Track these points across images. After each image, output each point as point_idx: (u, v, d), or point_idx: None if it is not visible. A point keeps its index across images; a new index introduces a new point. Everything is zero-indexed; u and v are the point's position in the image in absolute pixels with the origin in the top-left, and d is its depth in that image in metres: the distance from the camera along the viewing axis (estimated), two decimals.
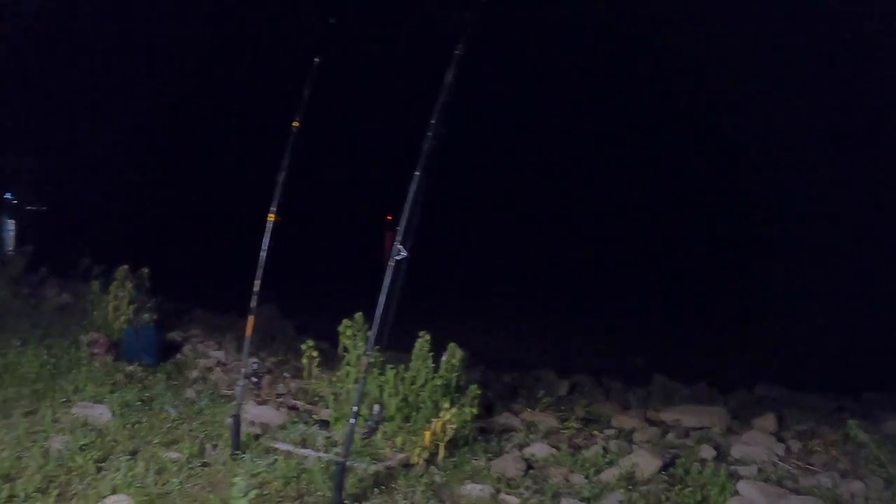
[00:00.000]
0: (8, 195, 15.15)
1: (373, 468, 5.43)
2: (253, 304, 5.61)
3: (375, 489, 5.08)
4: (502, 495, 5.25)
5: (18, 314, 9.49)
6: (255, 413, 6.49)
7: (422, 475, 5.44)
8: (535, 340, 14.48)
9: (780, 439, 7.10)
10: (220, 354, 8.88)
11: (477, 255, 23.55)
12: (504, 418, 7.23)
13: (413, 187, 4.56)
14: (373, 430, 4.83)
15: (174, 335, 9.55)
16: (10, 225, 14.92)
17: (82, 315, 9.65)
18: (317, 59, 5.47)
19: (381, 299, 4.42)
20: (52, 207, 15.92)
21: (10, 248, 14.10)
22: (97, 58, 15.04)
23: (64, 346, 8.18)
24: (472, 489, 5.27)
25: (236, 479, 4.35)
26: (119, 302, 8.89)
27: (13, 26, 12.77)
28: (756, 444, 6.81)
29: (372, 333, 4.51)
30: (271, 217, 5.50)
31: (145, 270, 9.30)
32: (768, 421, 7.64)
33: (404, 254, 4.50)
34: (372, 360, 4.66)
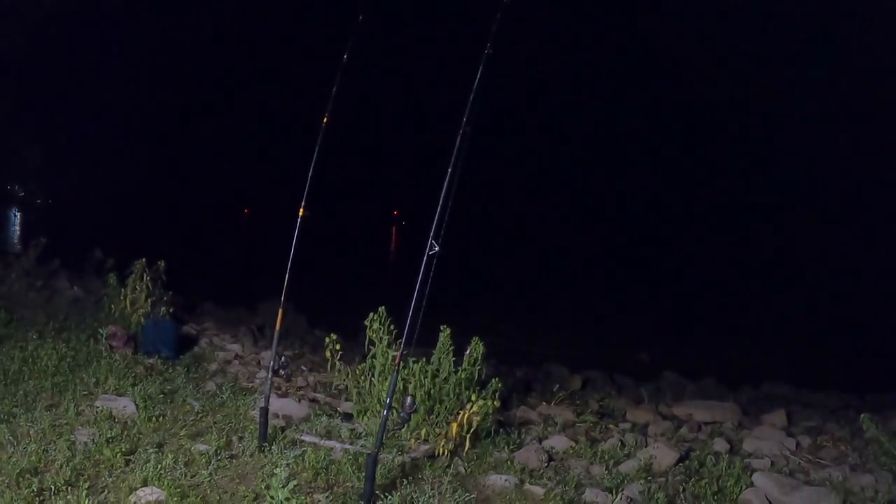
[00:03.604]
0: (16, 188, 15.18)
1: (399, 459, 5.53)
2: (282, 298, 5.66)
3: (403, 480, 5.17)
4: (526, 485, 5.36)
5: (33, 307, 9.51)
6: (278, 406, 6.56)
7: (447, 466, 5.54)
8: (542, 336, 14.60)
9: (790, 434, 7.23)
10: (236, 347, 8.95)
11: (484, 252, 23.67)
12: (521, 412, 7.35)
13: (445, 184, 4.64)
14: (405, 422, 4.92)
15: (189, 328, 9.62)
16: (18, 217, 14.96)
17: (96, 308, 9.72)
18: (345, 56, 5.54)
19: (415, 294, 4.50)
20: (60, 200, 15.94)
21: (17, 242, 14.18)
22: (111, 53, 15.05)
23: (82, 339, 8.21)
24: (497, 480, 5.38)
25: (277, 470, 4.43)
26: (136, 295, 8.96)
27: (33, 21, 12.79)
28: (767, 439, 6.92)
29: (406, 327, 4.58)
30: (301, 212, 5.56)
31: (161, 264, 9.35)
32: (778, 417, 7.80)
33: (437, 249, 4.58)
34: (406, 353, 4.73)
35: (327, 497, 4.88)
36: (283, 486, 4.25)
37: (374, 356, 6.42)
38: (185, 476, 4.98)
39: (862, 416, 6.47)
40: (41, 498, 4.52)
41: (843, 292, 18.62)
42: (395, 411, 4.96)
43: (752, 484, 5.65)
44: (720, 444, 6.71)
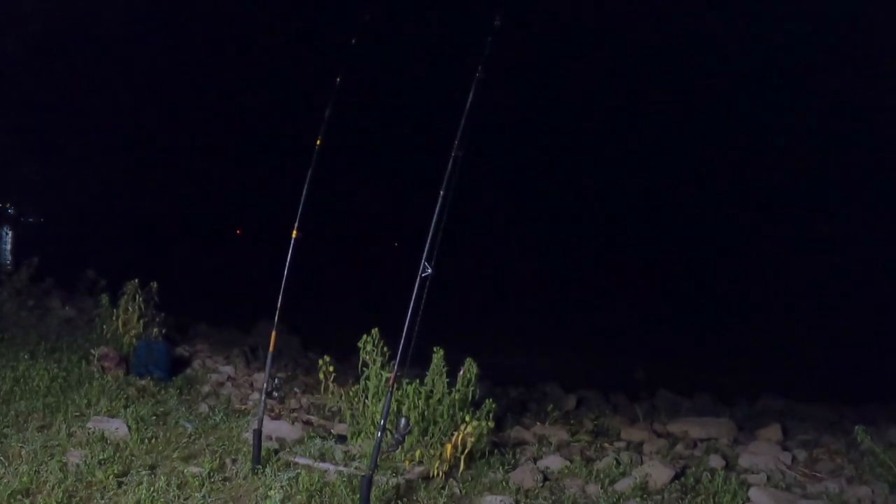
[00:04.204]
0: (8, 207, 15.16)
1: (393, 481, 5.50)
2: (276, 320, 5.64)
3: (398, 502, 5.15)
4: None
5: (25, 327, 9.49)
6: (271, 428, 6.52)
7: (442, 487, 5.51)
8: (536, 355, 14.59)
9: (786, 448, 7.23)
10: (229, 369, 8.93)
11: (476, 272, 23.68)
12: (516, 432, 7.33)
13: (437, 207, 4.65)
14: (399, 443, 4.90)
15: (181, 350, 9.60)
16: (9, 236, 14.94)
17: (88, 328, 9.70)
18: (338, 79, 5.55)
19: (409, 315, 4.50)
20: (52, 219, 15.93)
21: (9, 260, 14.14)
22: (105, 72, 15.07)
23: (73, 359, 8.20)
24: (492, 501, 5.35)
25: (272, 493, 4.41)
26: (129, 316, 8.93)
27: (28, 38, 12.80)
28: (763, 454, 6.90)
29: (399, 349, 4.58)
30: (294, 233, 5.56)
31: (154, 285, 9.33)
32: (773, 431, 7.79)
33: (430, 271, 4.58)
34: (399, 374, 4.72)
35: None
36: None
37: (367, 378, 6.41)
38: (178, 499, 4.95)
39: (857, 427, 6.46)
40: None
41: (837, 305, 18.66)
42: (389, 433, 4.94)
43: (748, 499, 5.65)
44: (716, 461, 6.68)
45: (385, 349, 6.33)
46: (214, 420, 6.82)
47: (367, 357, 6.35)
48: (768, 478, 6.28)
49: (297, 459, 5.90)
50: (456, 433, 5.75)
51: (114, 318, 9.07)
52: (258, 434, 5.63)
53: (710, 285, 22.42)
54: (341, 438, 6.60)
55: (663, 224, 25.25)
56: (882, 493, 5.84)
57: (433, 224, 4.62)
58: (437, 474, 5.66)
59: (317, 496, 5.14)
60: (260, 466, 5.55)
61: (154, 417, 6.68)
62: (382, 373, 6.28)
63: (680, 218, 24.78)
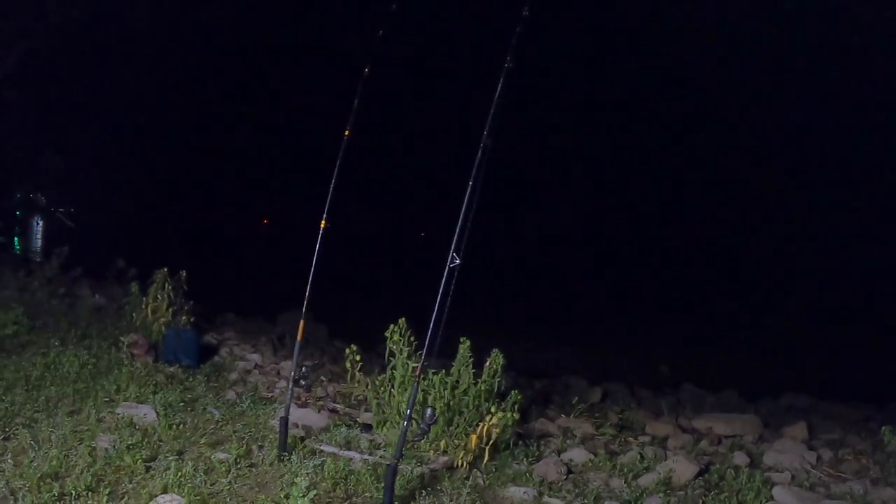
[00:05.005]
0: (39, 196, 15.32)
1: (418, 470, 5.54)
2: (304, 309, 5.69)
3: (422, 491, 5.18)
4: (545, 498, 5.36)
5: (56, 314, 9.60)
6: (298, 416, 6.57)
7: (466, 478, 5.54)
8: (561, 347, 14.58)
9: (811, 448, 7.19)
10: (256, 357, 9.00)
11: (503, 264, 23.65)
12: (540, 424, 7.35)
13: (466, 197, 4.67)
14: (424, 433, 4.92)
15: (209, 338, 9.69)
16: (40, 225, 15.10)
17: (117, 316, 9.81)
18: (366, 70, 5.58)
19: (436, 305, 4.52)
20: (82, 209, 16.07)
21: (39, 249, 14.31)
22: (134, 62, 15.17)
23: (103, 346, 8.30)
24: (516, 492, 5.38)
25: (298, 480, 4.45)
26: (158, 304, 9.03)
27: (54, 27, 12.91)
28: (788, 452, 6.87)
29: (426, 339, 4.60)
30: (322, 224, 5.60)
31: (183, 273, 9.42)
32: (799, 430, 7.75)
33: (458, 261, 4.60)
34: (427, 364, 4.75)
35: None
36: (303, 496, 4.28)
37: (394, 367, 6.44)
38: (205, 484, 5.00)
39: (883, 428, 6.43)
40: (62, 502, 4.56)
41: (864, 302, 18.46)
42: (414, 422, 4.98)
43: (772, 498, 5.63)
44: (740, 458, 6.66)
45: (412, 339, 6.35)
46: (241, 407, 6.89)
47: (394, 346, 6.38)
48: (793, 477, 6.26)
49: (322, 447, 5.95)
50: (481, 424, 5.78)
51: (143, 307, 9.16)
52: (285, 421, 5.68)
53: (736, 281, 22.28)
54: (367, 427, 6.65)
55: (690, 218, 25.08)
56: None
57: (462, 214, 4.63)
58: (462, 465, 5.70)
59: (342, 484, 5.18)
60: (286, 453, 5.60)
61: (182, 404, 6.76)
62: (409, 362, 6.31)
63: (706, 212, 24.60)
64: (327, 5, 19.47)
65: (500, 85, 4.84)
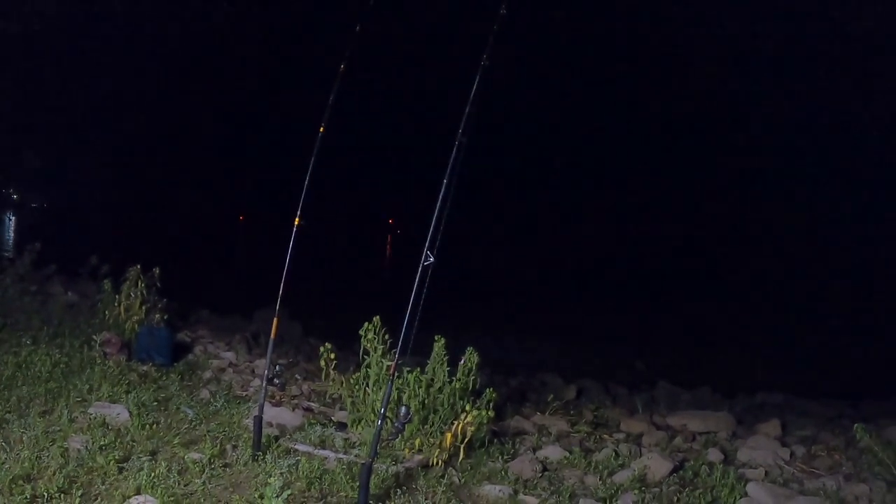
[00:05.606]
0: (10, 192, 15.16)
1: (393, 469, 5.52)
2: (278, 307, 5.65)
3: (397, 490, 5.16)
4: (521, 496, 5.35)
5: (28, 312, 9.49)
6: (272, 415, 6.53)
7: (441, 476, 5.53)
8: (536, 344, 14.61)
9: (784, 444, 7.24)
10: (230, 356, 8.95)
11: (478, 261, 23.69)
12: (515, 422, 7.34)
13: (440, 195, 4.66)
14: (399, 432, 4.91)
15: (183, 336, 9.61)
16: (13, 221, 14.95)
17: (91, 314, 9.69)
18: (342, 66, 5.55)
19: (410, 304, 4.50)
20: (55, 205, 15.93)
21: (10, 246, 14.16)
22: (106, 59, 15.03)
23: (75, 345, 8.20)
24: (491, 490, 5.37)
25: (272, 479, 4.43)
26: (131, 302, 8.95)
27: (32, 25, 12.77)
28: (761, 449, 6.92)
29: (401, 337, 4.59)
30: (297, 221, 5.56)
31: (157, 270, 9.34)
32: (772, 426, 7.80)
33: (432, 259, 4.58)
34: (401, 362, 4.74)
35: None
36: (277, 496, 4.25)
37: (368, 365, 6.42)
38: (179, 484, 4.95)
39: (856, 425, 6.48)
40: None
41: (837, 300, 18.66)
42: (389, 421, 4.95)
43: (746, 494, 5.65)
44: (714, 454, 6.70)
45: (386, 337, 6.33)
46: (215, 406, 6.83)
47: (369, 345, 6.36)
48: (766, 473, 6.31)
49: (297, 446, 5.92)
50: (456, 422, 5.77)
51: (116, 304, 9.08)
52: (259, 421, 5.64)
53: (711, 279, 22.44)
54: (341, 426, 6.62)
55: (666, 218, 25.25)
56: (880, 492, 5.86)
57: (436, 212, 4.62)
58: (437, 463, 5.68)
59: (316, 483, 5.15)
60: (260, 453, 5.56)
61: (155, 403, 6.69)
62: (383, 361, 6.29)
63: (682, 212, 24.78)
64: (303, 4, 19.39)
65: (475, 83, 4.84)
